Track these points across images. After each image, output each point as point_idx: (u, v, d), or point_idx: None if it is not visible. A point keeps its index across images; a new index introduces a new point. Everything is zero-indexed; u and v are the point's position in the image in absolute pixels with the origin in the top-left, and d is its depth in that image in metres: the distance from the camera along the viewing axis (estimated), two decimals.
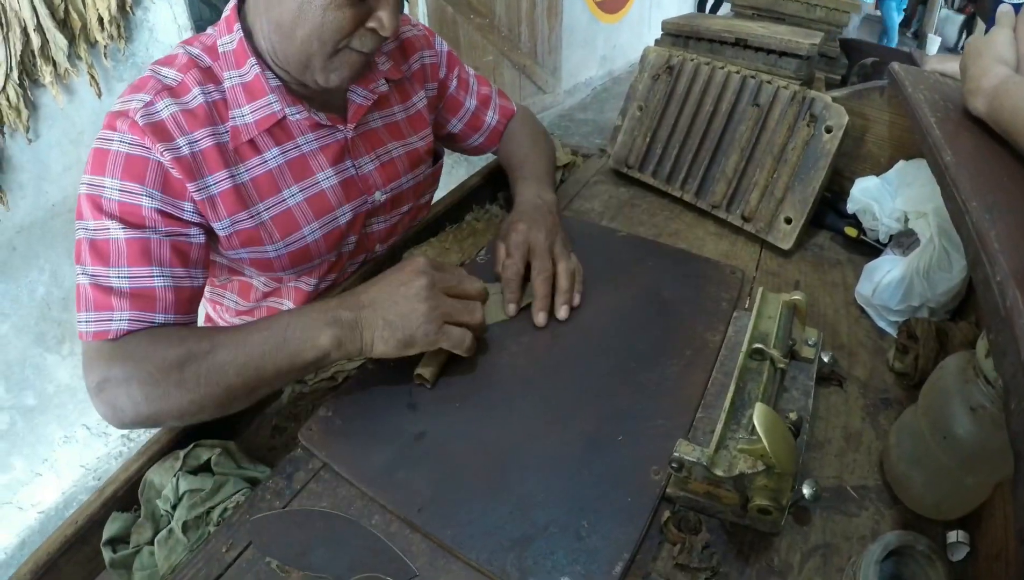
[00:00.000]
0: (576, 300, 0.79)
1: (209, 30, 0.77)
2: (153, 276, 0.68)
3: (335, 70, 0.72)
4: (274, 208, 0.78)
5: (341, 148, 0.82)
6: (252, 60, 0.73)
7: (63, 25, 1.87)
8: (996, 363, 0.39)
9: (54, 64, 1.90)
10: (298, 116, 0.77)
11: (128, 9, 1.97)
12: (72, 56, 1.93)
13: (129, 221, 0.67)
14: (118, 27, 1.99)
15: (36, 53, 1.84)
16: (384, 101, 0.88)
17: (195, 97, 0.72)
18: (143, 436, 2.37)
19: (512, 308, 0.78)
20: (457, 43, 3.80)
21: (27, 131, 1.91)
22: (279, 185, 0.77)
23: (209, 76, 0.73)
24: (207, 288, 0.94)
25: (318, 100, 0.80)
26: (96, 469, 2.30)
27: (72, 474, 2.28)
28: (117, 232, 0.67)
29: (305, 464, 0.64)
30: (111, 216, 0.67)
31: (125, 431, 2.40)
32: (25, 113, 1.89)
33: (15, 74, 1.81)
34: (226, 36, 0.74)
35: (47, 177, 2.03)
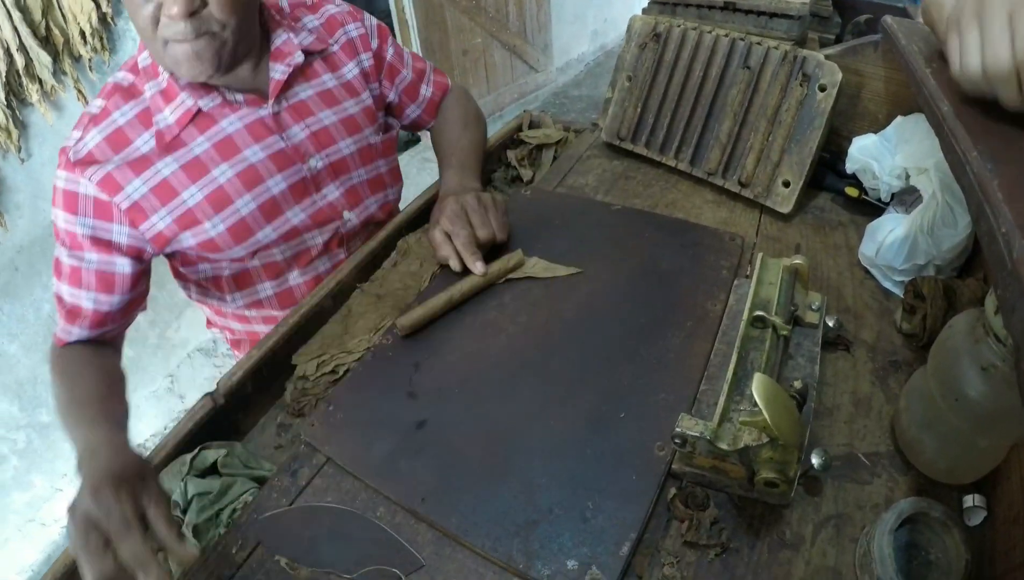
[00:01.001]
0: (502, 235, 0.85)
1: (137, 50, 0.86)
2: (79, 296, 0.82)
3: (180, 64, 0.77)
4: (206, 188, 0.84)
5: (265, 124, 0.87)
6: (163, 70, 0.82)
7: (45, 42, 1.87)
8: (1005, 320, 0.38)
9: (40, 82, 1.89)
10: (213, 104, 0.83)
11: (110, 20, 1.95)
12: (57, 72, 1.93)
13: (70, 246, 0.82)
14: (101, 39, 1.98)
15: (21, 72, 1.84)
16: (312, 72, 0.92)
17: (115, 120, 0.82)
18: (153, 443, 2.39)
19: (479, 266, 0.79)
20: (444, 27, 3.73)
21: (19, 151, 1.91)
22: (208, 167, 0.84)
23: (131, 93, 0.83)
24: (209, 309, 1.06)
25: (236, 82, 0.85)
26: None
27: None
28: (64, 256, 0.82)
29: (309, 460, 0.64)
30: (62, 242, 0.82)
31: (140, 440, 2.41)
32: (15, 133, 1.88)
33: (1, 95, 1.81)
34: (144, 52, 0.83)
35: (42, 195, 2.03)
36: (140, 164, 0.81)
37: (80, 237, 0.81)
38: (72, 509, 0.55)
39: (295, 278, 0.98)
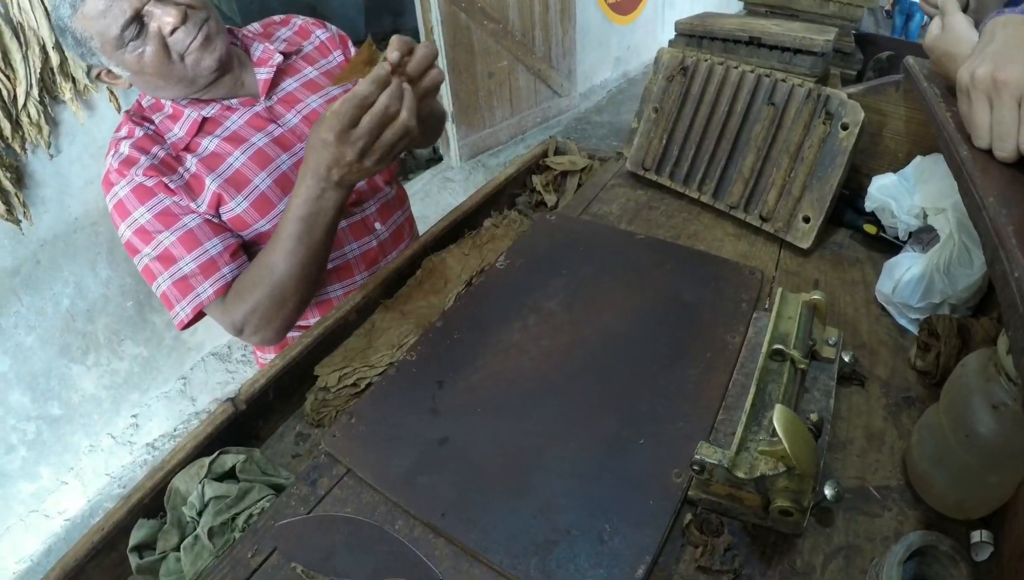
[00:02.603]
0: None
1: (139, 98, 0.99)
2: (207, 250, 0.89)
3: (200, 61, 0.88)
4: (224, 173, 0.93)
5: (261, 117, 0.98)
6: (166, 102, 0.95)
7: None
8: (1015, 360, 0.39)
9: (73, 81, 1.94)
10: (214, 111, 0.95)
11: None
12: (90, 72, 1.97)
13: (170, 223, 0.88)
14: None
15: (55, 70, 1.88)
16: (293, 69, 1.04)
17: (139, 134, 0.92)
18: (168, 444, 2.41)
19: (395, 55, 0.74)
20: (471, 49, 3.79)
21: (48, 147, 1.95)
22: (223, 157, 0.94)
23: (144, 120, 0.95)
24: None
25: (233, 91, 0.98)
26: (121, 477, 2.33)
27: (97, 482, 2.32)
28: (168, 238, 0.88)
29: (329, 470, 0.65)
30: (157, 231, 0.88)
31: (150, 440, 2.44)
32: (46, 129, 1.92)
33: (35, 91, 1.86)
34: (145, 98, 0.96)
35: (69, 192, 2.07)
36: (166, 166, 0.91)
37: (171, 207, 0.89)
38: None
39: None
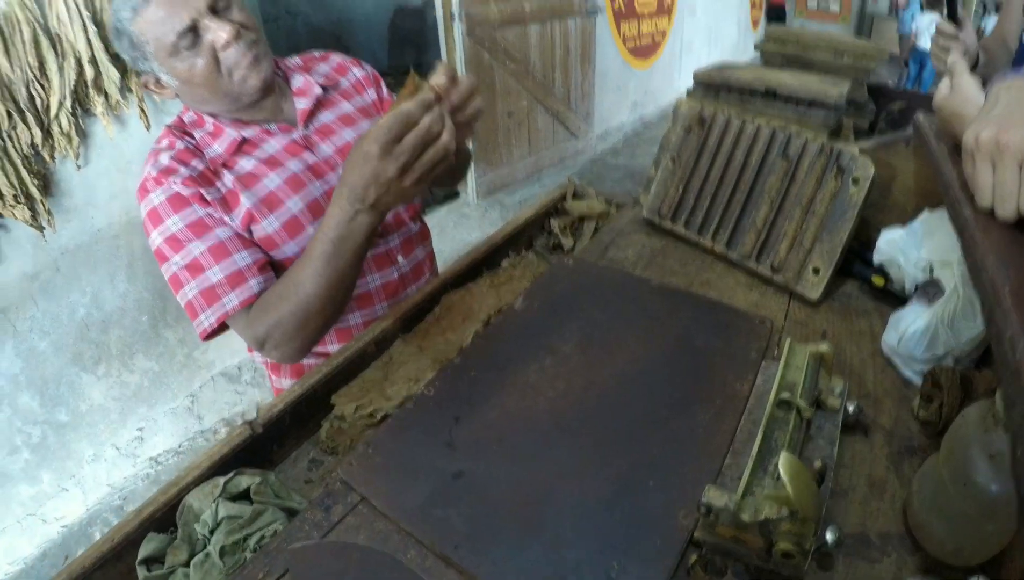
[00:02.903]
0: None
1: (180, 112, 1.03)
2: (235, 261, 0.91)
3: (248, 77, 0.93)
4: (259, 193, 0.96)
5: (298, 144, 1.02)
6: (207, 118, 0.98)
7: (116, 59, 1.95)
8: (1006, 414, 0.41)
9: (106, 95, 1.98)
10: (253, 133, 0.99)
11: None
12: (123, 88, 2.01)
13: (201, 233, 0.90)
14: None
15: (89, 84, 1.93)
16: (330, 102, 1.09)
17: (179, 147, 0.96)
18: (171, 460, 2.41)
19: (442, 80, 0.78)
20: (493, 88, 3.87)
21: (77, 158, 2.00)
22: (259, 177, 0.97)
23: (185, 133, 0.99)
24: None
25: (271, 116, 1.02)
26: (122, 489, 2.33)
27: (98, 492, 2.31)
28: (199, 247, 0.90)
29: (344, 497, 0.66)
30: (188, 240, 0.90)
31: (153, 454, 2.44)
32: (76, 141, 1.97)
33: (68, 102, 1.90)
34: (187, 113, 1.00)
35: (94, 203, 2.11)
36: (203, 179, 0.94)
37: (204, 219, 0.91)
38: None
39: None
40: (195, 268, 0.89)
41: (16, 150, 1.84)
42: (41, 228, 1.98)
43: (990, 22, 9.15)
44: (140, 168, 0.95)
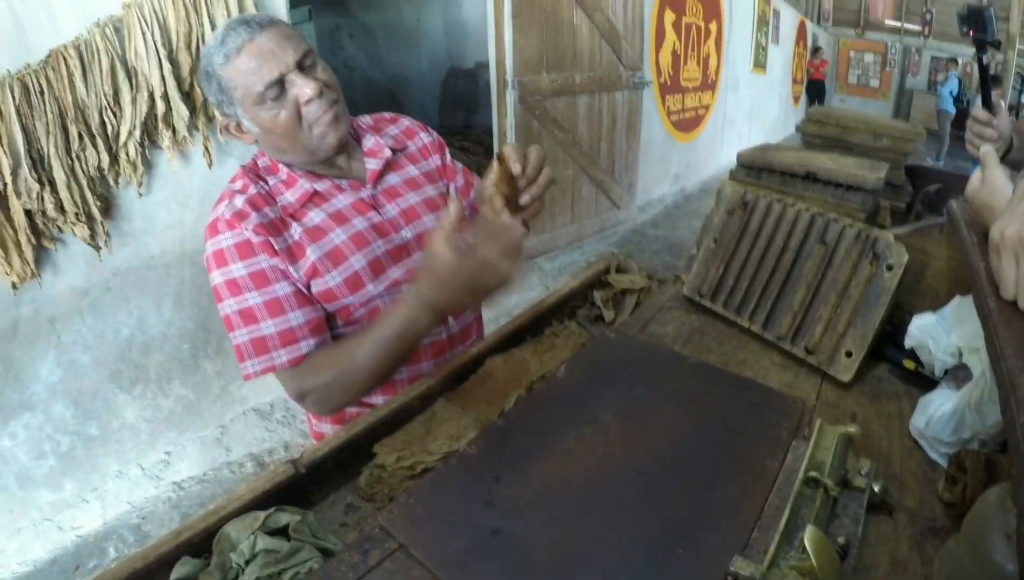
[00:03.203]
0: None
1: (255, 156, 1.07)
2: (289, 320, 0.95)
3: (326, 134, 0.97)
4: (325, 247, 1.00)
5: (366, 202, 1.06)
6: (282, 166, 1.02)
7: (187, 97, 2.07)
8: (1013, 494, 0.43)
9: (174, 130, 2.09)
10: (324, 187, 1.03)
11: None
12: (191, 126, 2.12)
13: (261, 285, 0.94)
14: None
15: (159, 118, 2.04)
16: (398, 165, 1.13)
17: (252, 191, 0.99)
18: (195, 487, 2.43)
19: (517, 167, 0.84)
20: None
21: (140, 186, 2.10)
22: (326, 231, 1.01)
23: (259, 178, 1.02)
24: None
25: (342, 173, 1.06)
26: (142, 508, 2.34)
27: (117, 508, 2.33)
28: (255, 298, 0.94)
29: (382, 543, 0.67)
30: (247, 289, 0.94)
31: (178, 479, 2.46)
32: (140, 169, 2.07)
33: (137, 133, 2.01)
34: (262, 159, 1.05)
35: (151, 231, 2.20)
36: (274, 227, 0.98)
37: (267, 271, 0.95)
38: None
39: None
40: (248, 316, 0.94)
41: (83, 171, 1.94)
42: (98, 247, 2.06)
43: None
44: (198, 202, 1.01)
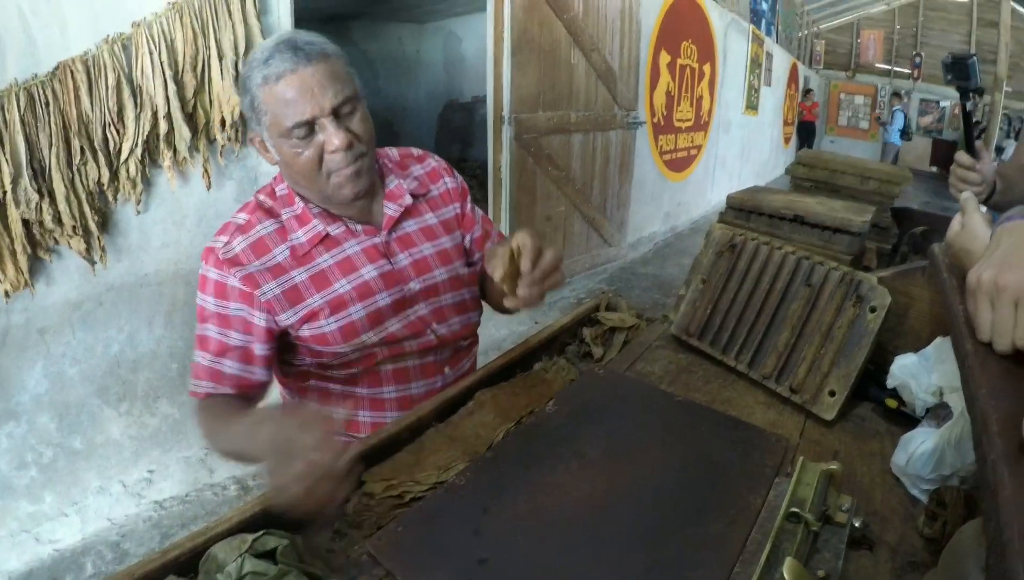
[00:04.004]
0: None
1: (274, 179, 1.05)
2: (224, 365, 0.98)
3: (343, 186, 0.95)
4: (328, 296, 1.00)
5: (378, 249, 1.04)
6: (298, 200, 1.01)
7: (189, 118, 2.09)
8: (984, 526, 0.44)
9: (175, 150, 2.10)
10: (338, 231, 1.02)
11: None
12: (192, 147, 2.13)
13: (221, 325, 0.97)
14: (237, 131, 2.20)
15: (161, 137, 2.05)
16: (416, 211, 1.10)
17: (258, 231, 0.99)
18: (177, 507, 2.39)
19: (527, 265, 0.84)
20: (534, 192, 3.98)
21: (138, 203, 2.10)
22: (331, 280, 1.00)
23: (271, 213, 1.01)
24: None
25: (357, 216, 1.04)
26: (122, 526, 2.30)
27: (97, 524, 2.28)
28: (211, 332, 0.98)
29: (369, 570, 0.68)
30: (209, 320, 0.98)
31: (159, 498, 2.42)
32: (140, 187, 2.08)
33: (138, 151, 2.02)
34: (280, 185, 1.03)
35: (146, 248, 2.19)
36: (276, 270, 0.98)
37: (233, 319, 0.97)
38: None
39: (388, 385, 1.10)
40: (203, 342, 0.99)
41: (83, 185, 1.94)
42: (93, 262, 2.06)
43: (1010, 147, 9.50)
44: (195, 223, 1.03)
